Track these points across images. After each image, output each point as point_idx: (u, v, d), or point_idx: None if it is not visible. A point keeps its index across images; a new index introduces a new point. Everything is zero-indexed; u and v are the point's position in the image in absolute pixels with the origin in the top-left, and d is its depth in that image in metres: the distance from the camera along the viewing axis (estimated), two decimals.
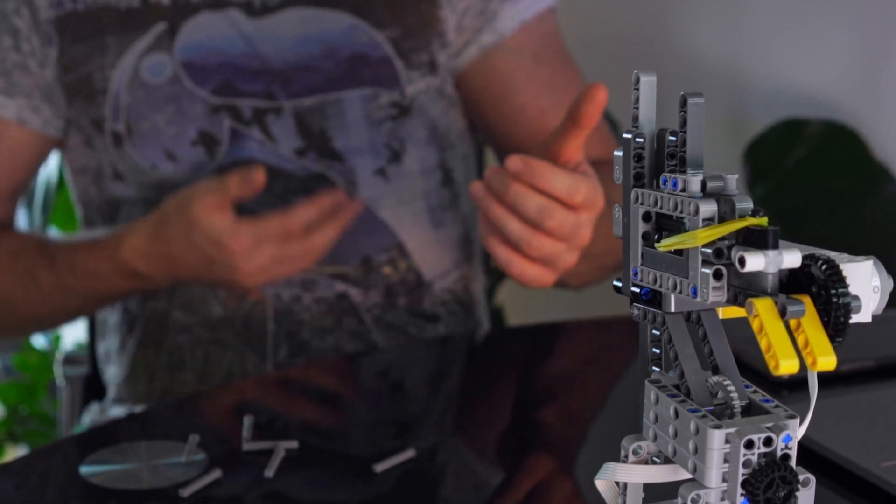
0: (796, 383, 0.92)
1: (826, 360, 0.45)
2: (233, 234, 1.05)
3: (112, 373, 1.28)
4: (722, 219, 0.48)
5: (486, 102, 1.24)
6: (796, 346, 0.46)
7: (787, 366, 0.45)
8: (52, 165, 2.01)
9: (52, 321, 1.27)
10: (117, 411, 1.25)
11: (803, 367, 0.50)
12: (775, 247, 0.46)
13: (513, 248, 0.95)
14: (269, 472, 0.80)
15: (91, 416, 1.30)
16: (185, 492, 0.78)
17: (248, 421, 0.87)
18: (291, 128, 1.18)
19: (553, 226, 0.93)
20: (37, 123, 1.19)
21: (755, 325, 0.46)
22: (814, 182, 1.67)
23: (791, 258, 0.46)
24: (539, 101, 1.22)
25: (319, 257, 1.10)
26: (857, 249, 0.49)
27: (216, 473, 0.80)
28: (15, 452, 2.15)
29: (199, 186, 1.08)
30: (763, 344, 0.46)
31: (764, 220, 0.47)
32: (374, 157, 1.20)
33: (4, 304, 1.19)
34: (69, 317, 1.26)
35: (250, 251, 1.06)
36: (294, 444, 0.84)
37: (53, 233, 2.16)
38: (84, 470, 0.81)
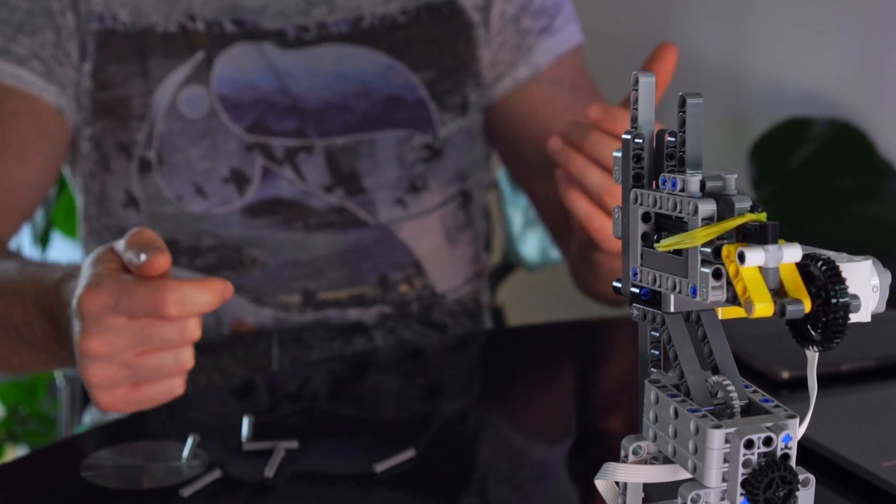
0: (796, 383, 0.92)
1: (763, 307, 0.46)
2: (92, 287, 0.77)
3: None
4: (721, 218, 0.48)
5: (523, 133, 1.24)
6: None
7: (762, 308, 0.46)
8: None
9: None
10: (117, 414, 1.25)
11: (803, 365, 0.50)
12: (775, 241, 0.46)
13: (593, 201, 0.96)
14: (269, 472, 0.80)
15: (91, 416, 1.30)
16: (185, 492, 0.78)
17: (248, 421, 0.87)
18: (322, 166, 1.18)
19: None
20: (70, 115, 1.16)
21: (731, 269, 0.46)
22: (819, 181, 1.67)
23: (791, 252, 0.46)
24: None
25: (187, 364, 0.80)
26: (864, 247, 0.49)
27: (216, 473, 0.80)
28: (15, 452, 2.15)
29: (117, 242, 0.82)
30: (738, 287, 0.46)
31: (763, 216, 0.47)
32: (394, 190, 1.20)
33: None
34: None
35: (105, 314, 0.76)
36: (294, 444, 0.84)
37: (56, 236, 2.16)
38: (84, 470, 0.81)
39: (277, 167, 1.17)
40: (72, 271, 0.87)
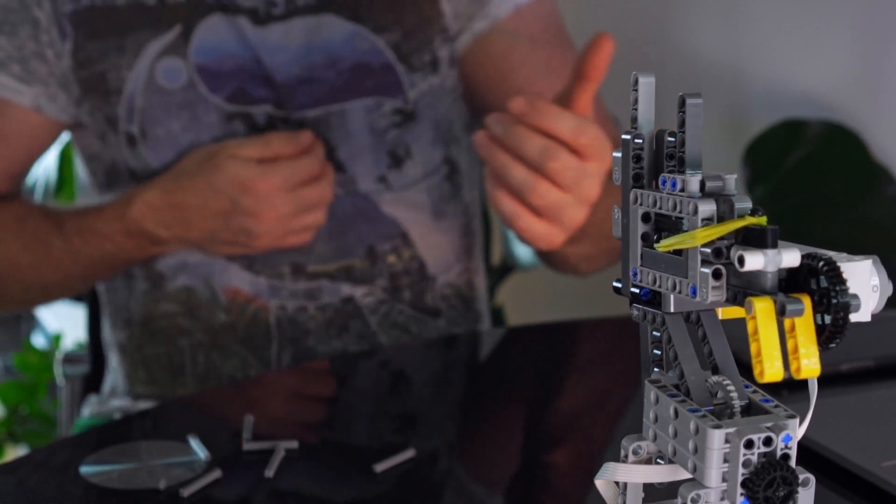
0: (796, 383, 0.92)
1: (810, 367, 0.46)
2: (262, 175, 1.06)
3: (113, 363, 1.29)
4: (721, 218, 0.48)
5: (482, 86, 1.22)
6: (786, 350, 0.46)
7: (771, 374, 0.46)
8: (51, 166, 2.01)
9: (58, 289, 1.26)
10: (117, 403, 1.25)
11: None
12: (774, 246, 0.46)
13: (518, 199, 0.94)
14: (269, 472, 0.81)
15: (90, 408, 1.30)
16: (185, 492, 0.78)
17: (248, 421, 0.87)
18: None
19: (556, 168, 0.91)
20: (52, 110, 1.19)
21: (750, 326, 0.46)
22: (813, 183, 1.67)
23: (790, 257, 0.46)
24: (535, 83, 1.20)
25: (321, 218, 1.11)
26: (857, 250, 0.49)
27: (216, 473, 0.80)
28: (15, 452, 2.15)
29: (233, 140, 1.11)
30: (753, 349, 0.46)
31: (763, 220, 0.47)
32: (375, 166, 1.20)
33: (11, 270, 1.19)
34: (75, 284, 1.26)
35: (276, 195, 1.07)
36: (294, 444, 0.84)
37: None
38: (84, 470, 0.81)
39: (260, 135, 1.17)
40: (153, 183, 1.13)
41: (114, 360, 1.29)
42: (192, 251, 1.19)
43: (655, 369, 0.55)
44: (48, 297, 1.30)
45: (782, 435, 0.48)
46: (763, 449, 0.48)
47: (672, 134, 0.52)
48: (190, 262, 1.20)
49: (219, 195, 1.08)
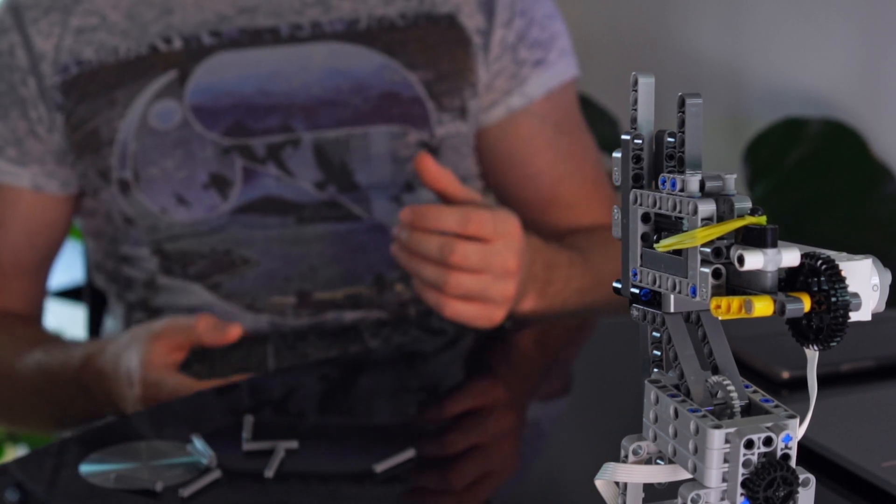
0: (796, 383, 0.92)
1: (762, 305, 0.46)
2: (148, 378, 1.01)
3: None
4: (721, 218, 0.48)
5: (503, 163, 1.25)
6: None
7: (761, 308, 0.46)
8: None
9: (22, 411, 1.24)
10: None
11: (803, 365, 0.50)
12: (774, 245, 0.46)
13: (441, 292, 1.01)
14: (269, 472, 0.80)
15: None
16: (185, 492, 0.78)
17: (248, 421, 0.87)
18: (310, 160, 1.17)
19: (458, 259, 0.98)
20: (53, 188, 1.19)
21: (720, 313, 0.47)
22: (814, 181, 1.67)
23: (790, 257, 0.46)
24: (555, 169, 1.23)
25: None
26: (858, 248, 0.49)
27: (216, 473, 0.80)
28: (15, 452, 2.15)
29: (169, 321, 1.04)
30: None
31: (762, 219, 0.47)
32: (391, 189, 1.20)
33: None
34: (41, 416, 1.23)
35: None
36: (294, 444, 0.84)
37: None
38: (84, 470, 0.81)
39: (260, 166, 1.16)
40: (104, 340, 1.10)
41: None
42: (189, 296, 1.19)
43: (655, 370, 0.55)
44: (12, 417, 1.29)
45: (782, 435, 0.48)
46: (763, 449, 0.48)
47: (672, 134, 0.52)
48: (190, 304, 1.19)
49: (120, 373, 1.02)
